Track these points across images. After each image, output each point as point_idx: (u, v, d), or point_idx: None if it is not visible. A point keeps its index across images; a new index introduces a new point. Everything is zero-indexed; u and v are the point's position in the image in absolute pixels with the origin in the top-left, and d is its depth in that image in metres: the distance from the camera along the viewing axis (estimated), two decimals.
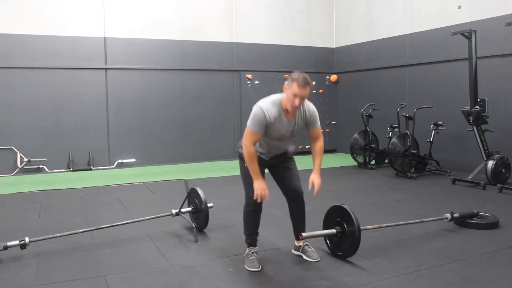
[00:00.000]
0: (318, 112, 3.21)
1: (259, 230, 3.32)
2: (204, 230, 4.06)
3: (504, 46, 6.53)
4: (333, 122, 10.04)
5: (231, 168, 8.01)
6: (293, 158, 3.35)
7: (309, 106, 3.13)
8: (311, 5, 9.93)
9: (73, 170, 7.79)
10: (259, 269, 3.15)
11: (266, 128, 2.99)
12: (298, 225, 3.40)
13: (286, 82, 2.97)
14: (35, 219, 4.64)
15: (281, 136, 3.07)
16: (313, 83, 9.58)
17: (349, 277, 3.00)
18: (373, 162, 8.02)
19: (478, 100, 6.06)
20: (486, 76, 6.66)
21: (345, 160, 8.75)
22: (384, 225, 3.74)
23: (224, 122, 9.17)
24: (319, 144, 3.22)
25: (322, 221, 3.47)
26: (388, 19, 8.68)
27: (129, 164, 8.31)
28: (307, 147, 9.14)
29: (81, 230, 3.76)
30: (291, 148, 3.32)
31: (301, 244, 3.42)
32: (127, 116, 8.35)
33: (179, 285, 2.91)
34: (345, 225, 3.25)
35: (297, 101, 2.89)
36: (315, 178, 3.13)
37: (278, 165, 3.29)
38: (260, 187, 2.99)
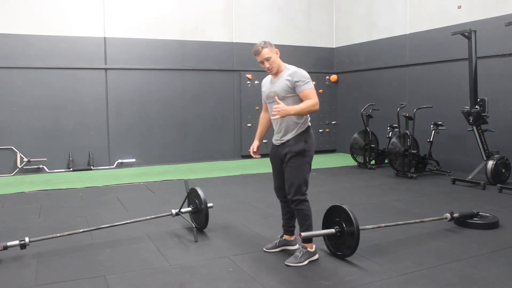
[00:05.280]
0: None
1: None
2: (204, 230, 4.05)
3: (504, 46, 6.53)
4: (333, 122, 10.02)
5: (231, 168, 8.02)
6: (298, 157, 3.20)
7: (292, 68, 3.34)
8: (311, 5, 9.93)
9: (73, 170, 7.79)
10: (264, 249, 3.49)
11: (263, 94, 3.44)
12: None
13: None
14: (35, 219, 4.64)
15: (267, 96, 3.37)
16: (313, 83, 9.58)
17: (349, 277, 3.00)
18: (373, 162, 8.02)
19: (478, 100, 6.06)
20: (486, 76, 6.67)
21: (345, 160, 8.75)
22: (384, 225, 3.74)
23: (224, 122, 9.17)
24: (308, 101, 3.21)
25: (321, 220, 3.47)
26: (388, 19, 8.68)
27: (129, 164, 8.31)
28: None
29: (81, 230, 3.77)
30: (291, 144, 3.23)
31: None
32: (127, 116, 8.36)
33: (179, 285, 2.91)
34: (344, 225, 3.25)
35: (264, 66, 3.30)
36: (283, 105, 3.09)
37: (283, 160, 3.27)
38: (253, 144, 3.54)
